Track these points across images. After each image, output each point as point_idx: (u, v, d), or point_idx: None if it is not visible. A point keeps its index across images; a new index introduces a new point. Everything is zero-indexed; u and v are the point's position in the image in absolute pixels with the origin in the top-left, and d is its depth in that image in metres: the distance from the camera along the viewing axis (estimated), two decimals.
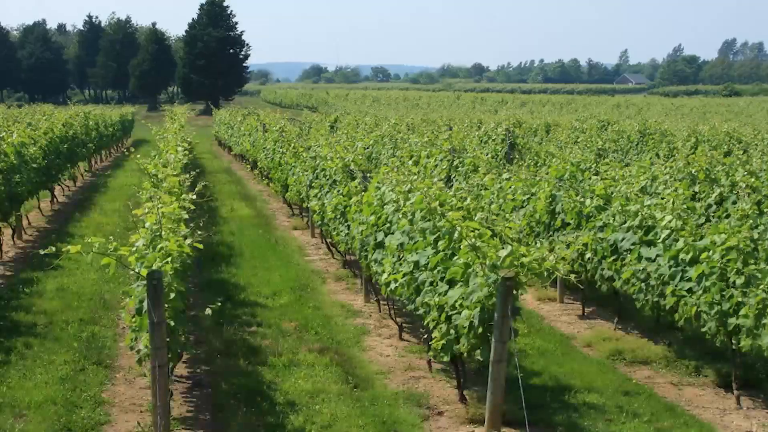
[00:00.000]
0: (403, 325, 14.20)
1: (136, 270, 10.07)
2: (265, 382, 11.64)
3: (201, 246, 11.46)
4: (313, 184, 19.79)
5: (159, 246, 10.35)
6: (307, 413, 10.54)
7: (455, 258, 10.46)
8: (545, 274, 9.61)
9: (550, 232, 15.81)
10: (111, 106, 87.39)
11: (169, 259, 10.04)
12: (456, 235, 10.64)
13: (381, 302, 15.39)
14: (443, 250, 10.89)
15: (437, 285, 10.72)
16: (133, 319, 9.89)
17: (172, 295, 9.59)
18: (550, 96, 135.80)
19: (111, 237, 9.59)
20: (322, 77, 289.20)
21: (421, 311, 11.13)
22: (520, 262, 9.55)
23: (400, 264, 12.00)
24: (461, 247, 10.32)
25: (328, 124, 46.58)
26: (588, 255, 14.32)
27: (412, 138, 30.25)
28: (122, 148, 56.24)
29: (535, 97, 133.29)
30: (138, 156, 17.66)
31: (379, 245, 13.30)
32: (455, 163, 22.70)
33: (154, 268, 9.63)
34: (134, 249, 10.57)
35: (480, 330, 9.50)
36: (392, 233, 12.78)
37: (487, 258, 9.76)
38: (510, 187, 17.79)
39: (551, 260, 9.49)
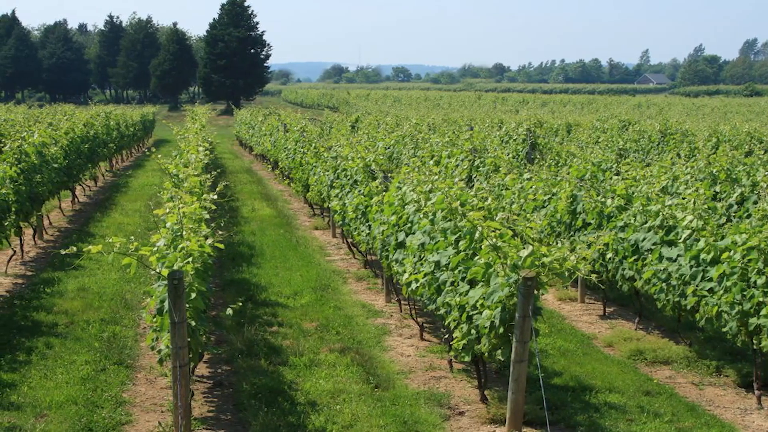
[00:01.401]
0: (424, 325, 14.22)
1: (157, 270, 10.16)
2: (286, 382, 11.69)
3: (222, 246, 11.51)
4: (334, 184, 19.83)
5: (180, 246, 10.41)
6: (328, 413, 10.58)
7: (476, 258, 10.48)
8: (566, 274, 9.61)
9: (571, 232, 15.81)
10: (132, 105, 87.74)
11: (190, 259, 10.10)
12: (477, 235, 10.65)
13: (402, 302, 15.41)
14: (464, 250, 10.91)
15: (458, 285, 10.74)
16: (154, 319, 9.95)
17: (193, 295, 9.63)
18: (571, 96, 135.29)
19: (132, 237, 9.65)
20: (342, 77, 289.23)
21: (442, 311, 11.15)
22: (541, 262, 9.56)
23: (421, 264, 12.03)
24: (482, 247, 10.33)
25: (349, 124, 46.57)
26: (609, 255, 14.31)
27: (433, 138, 30.24)
28: (143, 147, 56.73)
29: (556, 97, 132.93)
30: (159, 156, 17.68)
31: (400, 245, 13.33)
32: (476, 163, 22.71)
33: (175, 268, 9.73)
34: (155, 249, 10.62)
35: (501, 330, 9.52)
36: (413, 233, 12.81)
37: (508, 258, 9.77)
38: (531, 187, 17.81)
39: (572, 260, 9.49)
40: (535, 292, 9.29)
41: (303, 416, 10.49)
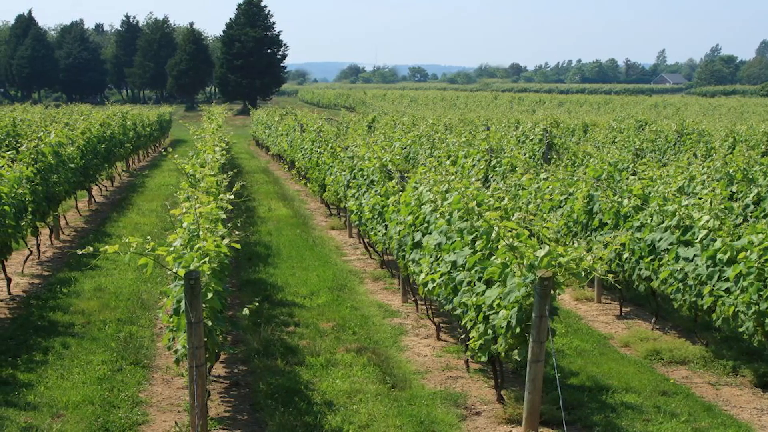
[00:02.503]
0: (441, 324, 14.26)
1: (174, 270, 10.21)
2: (302, 382, 11.75)
3: (238, 246, 11.57)
4: (350, 184, 19.90)
5: (196, 246, 10.44)
6: (345, 413, 10.64)
7: (493, 258, 10.49)
8: (583, 274, 9.58)
9: (588, 232, 15.83)
10: (148, 105, 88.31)
11: (206, 259, 10.12)
12: (494, 235, 10.68)
13: (419, 302, 15.45)
14: (481, 250, 10.93)
15: (475, 285, 10.78)
16: (171, 319, 10.00)
17: (210, 295, 9.67)
18: (587, 96, 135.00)
19: (149, 237, 9.69)
20: (359, 77, 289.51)
21: (458, 311, 11.18)
22: (558, 262, 9.57)
23: (438, 264, 12.06)
24: (499, 247, 10.35)
25: (366, 124, 46.72)
26: (626, 255, 14.33)
27: (449, 138, 30.35)
28: (160, 147, 56.80)
29: (572, 97, 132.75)
30: (175, 156, 17.77)
31: (417, 245, 13.37)
32: (493, 163, 22.76)
33: (191, 268, 9.74)
34: (172, 249, 10.69)
35: (518, 330, 9.54)
36: (430, 233, 12.85)
37: (525, 258, 9.78)
38: (548, 187, 17.86)
39: (589, 260, 9.49)
40: (552, 292, 9.29)
41: (320, 416, 10.54)
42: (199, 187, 14.49)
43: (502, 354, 9.93)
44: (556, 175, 18.04)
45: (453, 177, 13.89)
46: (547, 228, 11.29)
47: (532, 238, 10.61)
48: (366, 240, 19.27)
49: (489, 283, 10.47)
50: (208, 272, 9.89)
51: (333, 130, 33.21)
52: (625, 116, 53.32)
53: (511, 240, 10.06)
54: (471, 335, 10.61)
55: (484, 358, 10.42)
